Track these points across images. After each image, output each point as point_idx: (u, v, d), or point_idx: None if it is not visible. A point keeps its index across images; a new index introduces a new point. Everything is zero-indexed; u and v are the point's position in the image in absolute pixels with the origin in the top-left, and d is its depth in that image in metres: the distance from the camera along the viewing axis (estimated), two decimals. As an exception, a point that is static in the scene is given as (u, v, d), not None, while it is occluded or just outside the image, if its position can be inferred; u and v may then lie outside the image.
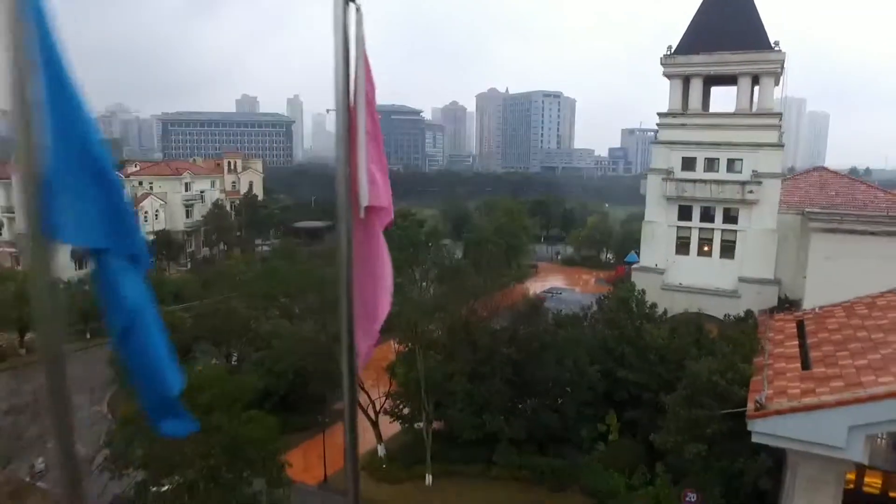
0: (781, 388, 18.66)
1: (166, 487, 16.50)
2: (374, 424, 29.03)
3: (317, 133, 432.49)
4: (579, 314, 31.75)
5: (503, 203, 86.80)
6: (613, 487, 25.11)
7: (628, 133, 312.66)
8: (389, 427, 30.26)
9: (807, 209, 28.33)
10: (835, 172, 45.47)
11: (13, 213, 61.62)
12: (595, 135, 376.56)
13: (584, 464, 26.60)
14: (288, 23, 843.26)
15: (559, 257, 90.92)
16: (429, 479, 27.01)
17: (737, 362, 20.41)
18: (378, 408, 29.33)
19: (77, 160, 2.02)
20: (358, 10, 2.57)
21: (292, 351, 29.04)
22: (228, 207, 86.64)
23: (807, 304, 26.38)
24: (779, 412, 17.09)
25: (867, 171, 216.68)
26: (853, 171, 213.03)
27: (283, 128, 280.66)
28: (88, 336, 40.44)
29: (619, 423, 27.21)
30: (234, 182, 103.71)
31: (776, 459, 19.60)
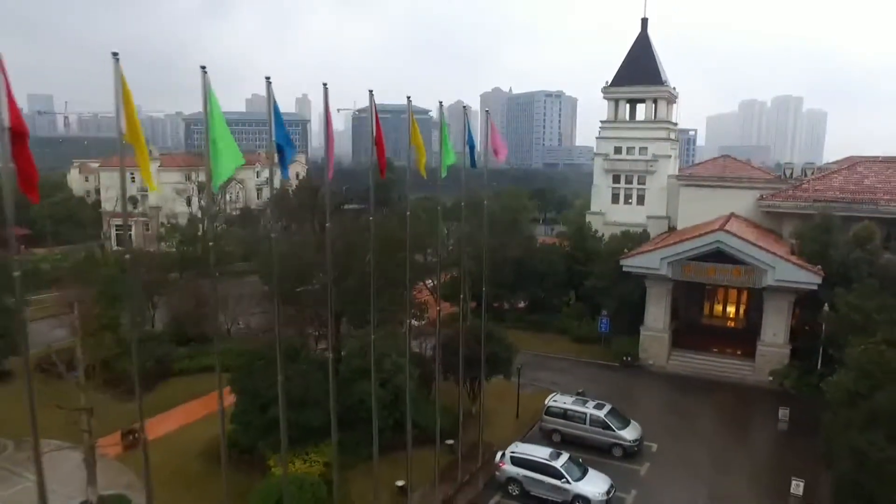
0: (643, 249, 39.97)
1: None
2: (436, 301, 50.06)
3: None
4: (556, 243, 53.09)
5: (507, 190, 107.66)
6: (570, 327, 46.35)
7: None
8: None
9: (677, 174, 49.79)
10: (734, 159, 66.71)
11: (146, 191, 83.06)
12: (596, 131, 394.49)
13: (556, 318, 47.77)
14: (296, 23, 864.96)
15: (553, 233, 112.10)
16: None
17: (627, 244, 41.74)
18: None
19: None
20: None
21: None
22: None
23: (679, 228, 47.60)
24: (633, 255, 38.43)
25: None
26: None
27: (298, 127, 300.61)
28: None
29: (575, 296, 48.38)
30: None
31: (643, 289, 40.60)
